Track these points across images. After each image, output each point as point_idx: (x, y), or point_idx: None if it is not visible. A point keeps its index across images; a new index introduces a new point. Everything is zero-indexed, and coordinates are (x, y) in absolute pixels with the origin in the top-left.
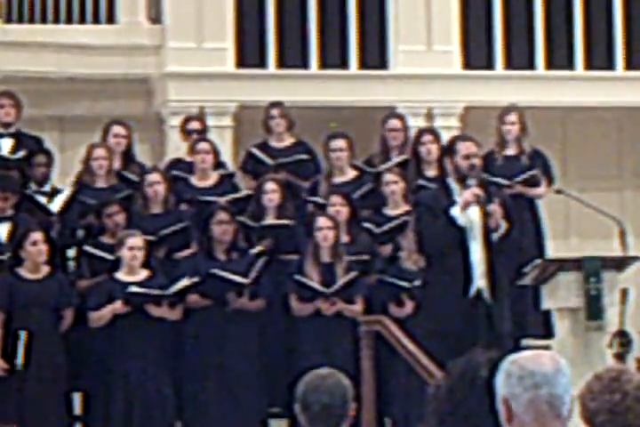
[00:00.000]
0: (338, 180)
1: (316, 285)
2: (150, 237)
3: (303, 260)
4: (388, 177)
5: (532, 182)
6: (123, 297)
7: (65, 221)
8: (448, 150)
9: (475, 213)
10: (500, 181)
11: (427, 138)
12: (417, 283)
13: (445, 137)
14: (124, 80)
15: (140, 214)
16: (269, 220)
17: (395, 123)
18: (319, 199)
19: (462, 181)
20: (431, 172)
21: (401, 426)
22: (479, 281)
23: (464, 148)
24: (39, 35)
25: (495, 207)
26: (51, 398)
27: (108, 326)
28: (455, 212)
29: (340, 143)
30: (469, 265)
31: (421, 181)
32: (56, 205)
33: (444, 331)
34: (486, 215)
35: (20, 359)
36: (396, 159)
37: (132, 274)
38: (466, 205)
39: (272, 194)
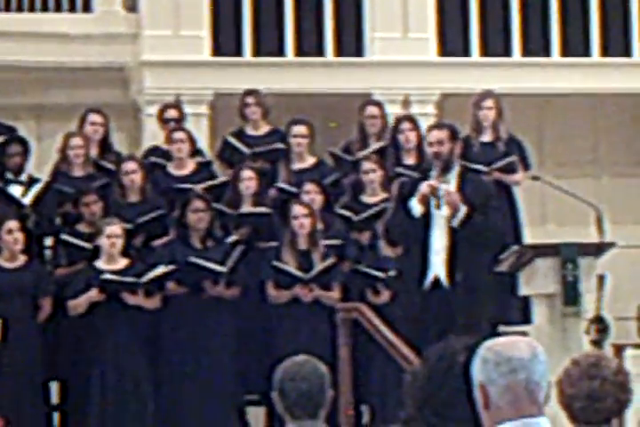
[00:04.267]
0: (297, 166)
1: (293, 270)
2: (128, 226)
3: (280, 247)
4: (366, 165)
5: (509, 169)
6: (98, 285)
7: (39, 211)
8: (423, 139)
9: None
10: (478, 167)
11: (405, 126)
12: (393, 271)
13: (423, 124)
14: (100, 69)
15: (118, 203)
16: (246, 208)
17: (372, 110)
18: (289, 187)
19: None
20: (410, 160)
21: (379, 413)
22: (438, 268)
23: (430, 135)
24: (15, 24)
25: (451, 192)
26: (27, 387)
27: (86, 314)
28: (413, 203)
29: (301, 129)
30: (428, 253)
31: (400, 169)
32: (29, 197)
33: (414, 318)
34: (439, 207)
35: None
36: (372, 146)
37: (112, 262)
38: (423, 198)
39: (249, 182)
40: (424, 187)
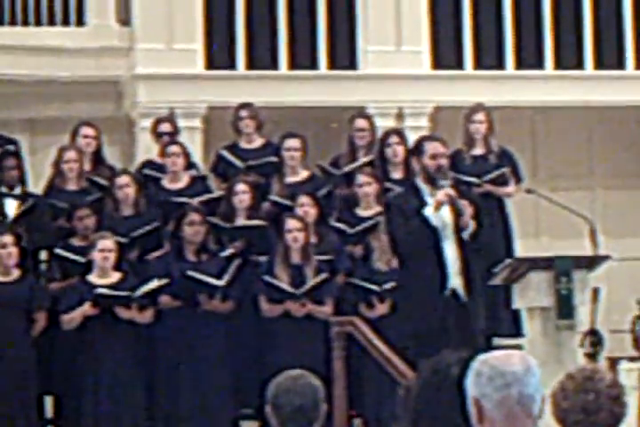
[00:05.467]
0: (290, 180)
1: (285, 286)
2: (122, 239)
3: (273, 261)
4: (362, 178)
5: (501, 181)
6: (91, 299)
7: (28, 226)
8: (415, 151)
9: (447, 212)
10: (470, 179)
11: (393, 139)
12: (387, 284)
13: (414, 138)
14: (93, 82)
15: (112, 217)
16: (240, 221)
17: (362, 123)
18: (282, 200)
19: (430, 181)
20: (397, 174)
21: (372, 426)
22: (454, 280)
23: (431, 148)
24: (8, 37)
25: (466, 204)
26: (21, 401)
27: (80, 328)
28: (428, 212)
29: (293, 142)
30: (444, 265)
31: (387, 184)
32: (10, 213)
33: (417, 331)
34: (458, 215)
35: None
36: (361, 160)
37: (104, 276)
38: (438, 206)
39: (243, 195)
40: (441, 195)
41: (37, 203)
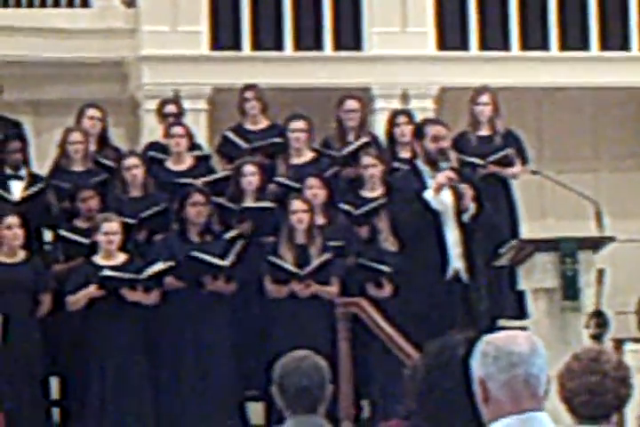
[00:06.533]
0: (295, 161)
1: (289, 266)
2: (130, 221)
3: (278, 242)
4: (367, 160)
5: (507, 162)
6: (97, 281)
7: (29, 208)
8: (417, 133)
9: (447, 195)
10: (474, 160)
11: (401, 119)
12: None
13: (420, 118)
14: (98, 64)
15: (119, 198)
16: (249, 202)
17: (352, 104)
18: (288, 181)
19: (432, 163)
20: (405, 153)
21: (379, 407)
22: (456, 263)
23: (433, 130)
24: (13, 19)
25: (467, 187)
26: (27, 382)
27: (85, 310)
28: (428, 195)
29: (299, 124)
30: (445, 247)
31: (395, 163)
32: (17, 194)
33: (421, 313)
34: (458, 197)
35: None
36: (359, 141)
37: (110, 258)
38: (439, 188)
39: (251, 177)
40: (441, 177)
41: (46, 186)
